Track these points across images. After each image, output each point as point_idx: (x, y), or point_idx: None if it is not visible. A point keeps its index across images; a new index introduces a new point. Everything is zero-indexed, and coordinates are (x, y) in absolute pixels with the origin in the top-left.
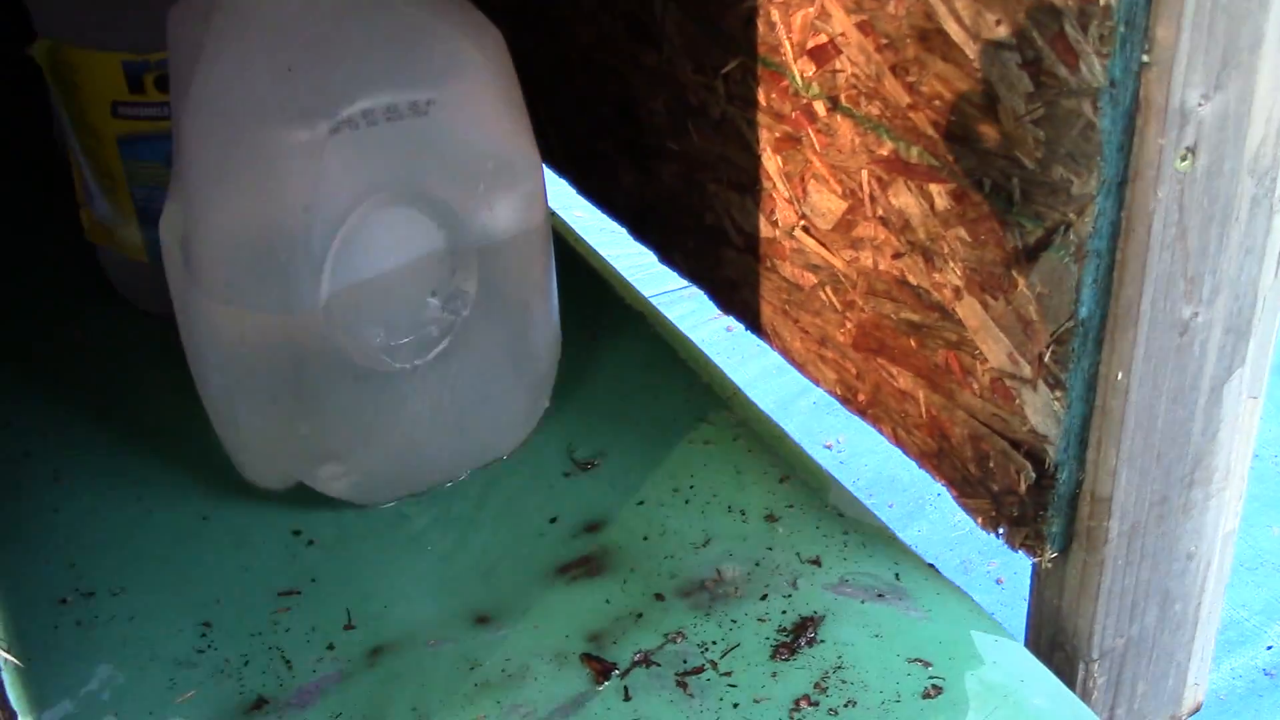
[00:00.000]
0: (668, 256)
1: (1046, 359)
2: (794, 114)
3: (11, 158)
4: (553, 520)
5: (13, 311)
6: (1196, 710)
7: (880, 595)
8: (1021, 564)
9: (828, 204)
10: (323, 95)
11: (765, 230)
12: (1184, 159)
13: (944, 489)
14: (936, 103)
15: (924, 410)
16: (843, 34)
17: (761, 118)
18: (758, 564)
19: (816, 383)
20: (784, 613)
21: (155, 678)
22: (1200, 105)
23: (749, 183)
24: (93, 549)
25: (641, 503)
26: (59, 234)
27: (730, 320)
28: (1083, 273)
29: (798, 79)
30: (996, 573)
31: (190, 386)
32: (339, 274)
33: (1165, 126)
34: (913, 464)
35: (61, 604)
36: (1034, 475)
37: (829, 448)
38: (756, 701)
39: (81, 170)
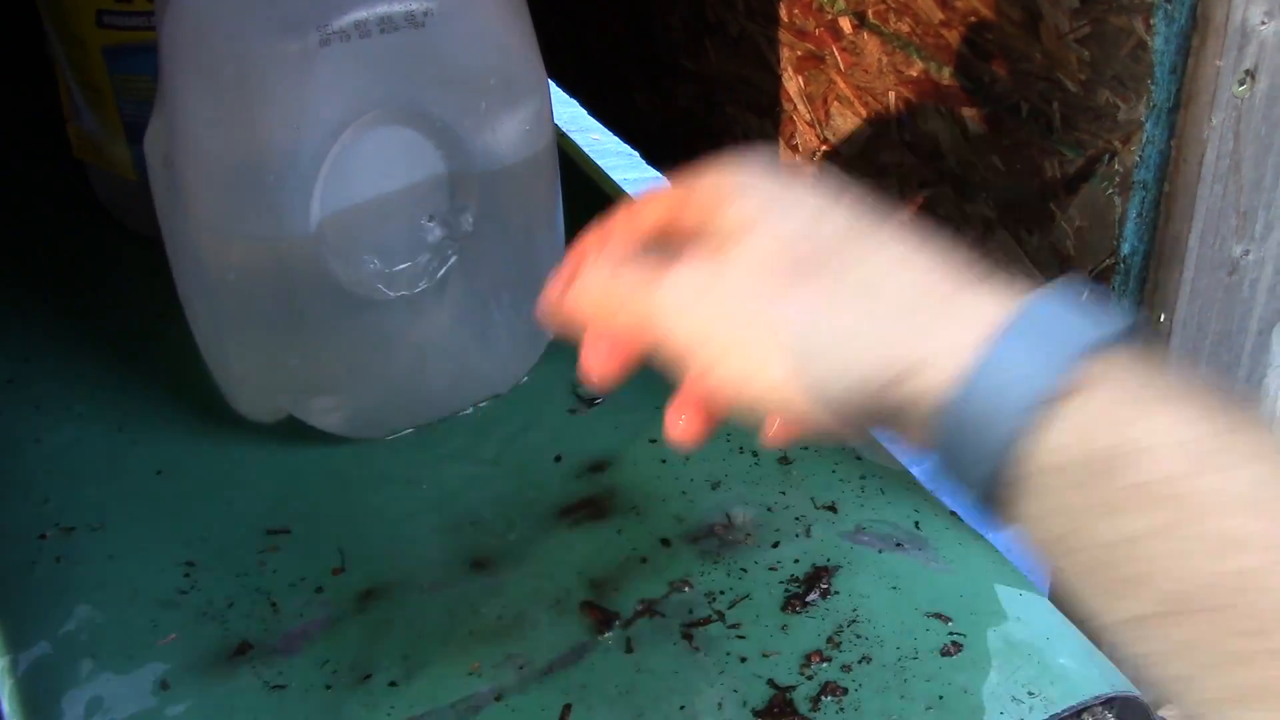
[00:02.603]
0: None
1: (1084, 298)
2: (817, 31)
3: (1, 71)
4: (555, 459)
5: None
6: None
7: (899, 545)
8: None
9: (852, 127)
10: (312, 4)
11: (785, 155)
12: (1242, 83)
13: None
14: (972, 19)
15: None
16: None
17: (783, 35)
18: (770, 509)
19: None
20: (796, 561)
21: (135, 619)
22: (1263, 24)
23: (769, 104)
24: (73, 482)
25: (648, 442)
26: (48, 150)
27: None
28: (1127, 206)
29: None
30: None
31: (180, 313)
32: (330, 197)
33: (1224, 47)
34: None
35: (40, 540)
36: None
37: None
38: (766, 656)
39: (68, 83)
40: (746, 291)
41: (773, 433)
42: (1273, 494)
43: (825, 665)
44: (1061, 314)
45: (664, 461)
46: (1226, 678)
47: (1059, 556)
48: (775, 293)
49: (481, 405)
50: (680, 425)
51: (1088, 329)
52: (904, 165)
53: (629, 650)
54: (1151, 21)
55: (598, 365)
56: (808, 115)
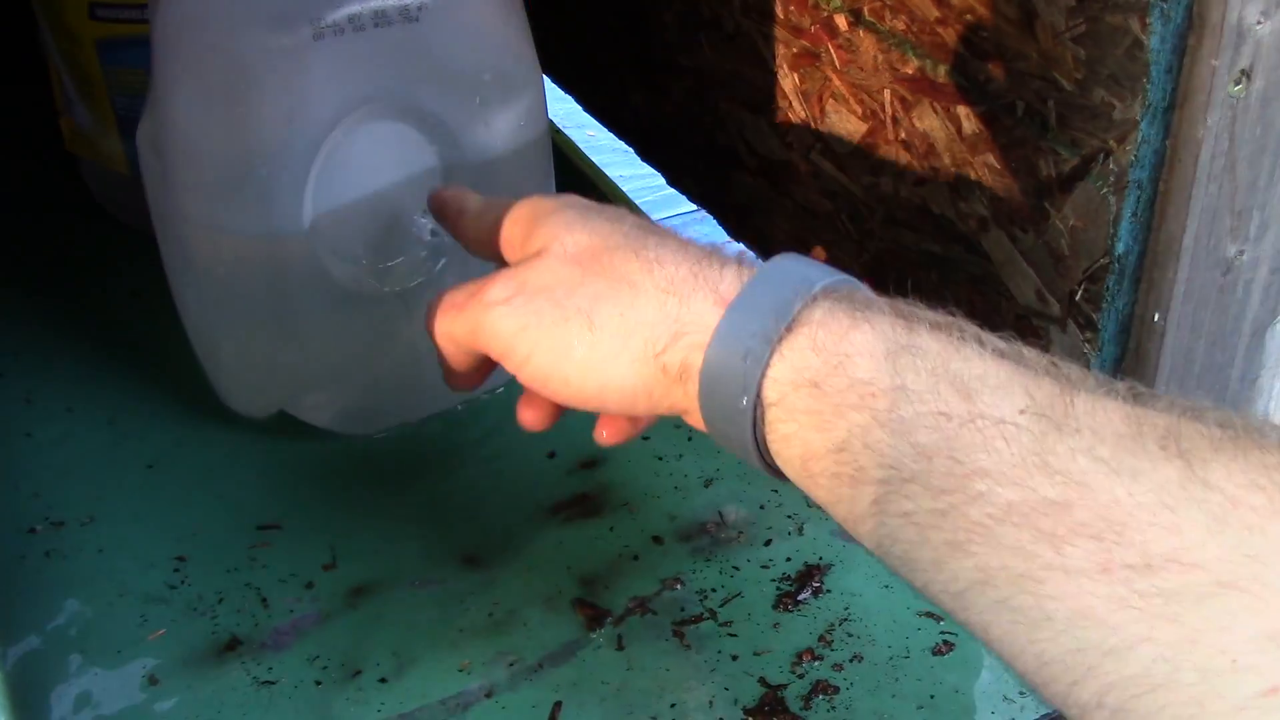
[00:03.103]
0: (677, 179)
1: (1078, 297)
2: (813, 28)
3: None
4: (548, 456)
5: None
6: None
7: None
8: None
9: (847, 125)
10: None
11: (780, 153)
12: (1238, 83)
13: None
14: (968, 17)
15: None
16: None
17: (778, 31)
18: (762, 507)
19: None
20: (788, 560)
21: (125, 614)
22: (1259, 23)
23: (763, 102)
24: (64, 476)
25: (641, 439)
26: (40, 144)
27: (740, 246)
28: (1121, 205)
29: None
30: None
31: (172, 307)
32: (323, 192)
33: (1220, 46)
34: None
35: (30, 533)
36: None
37: None
38: (757, 654)
39: (60, 76)
40: (545, 292)
41: (600, 432)
42: (945, 385)
43: (817, 664)
44: (785, 272)
45: (657, 459)
46: (939, 533)
47: (811, 486)
48: (566, 291)
49: (473, 401)
50: (527, 414)
51: (804, 281)
52: (899, 163)
53: (620, 648)
54: (1147, 21)
55: (451, 380)
56: (803, 112)
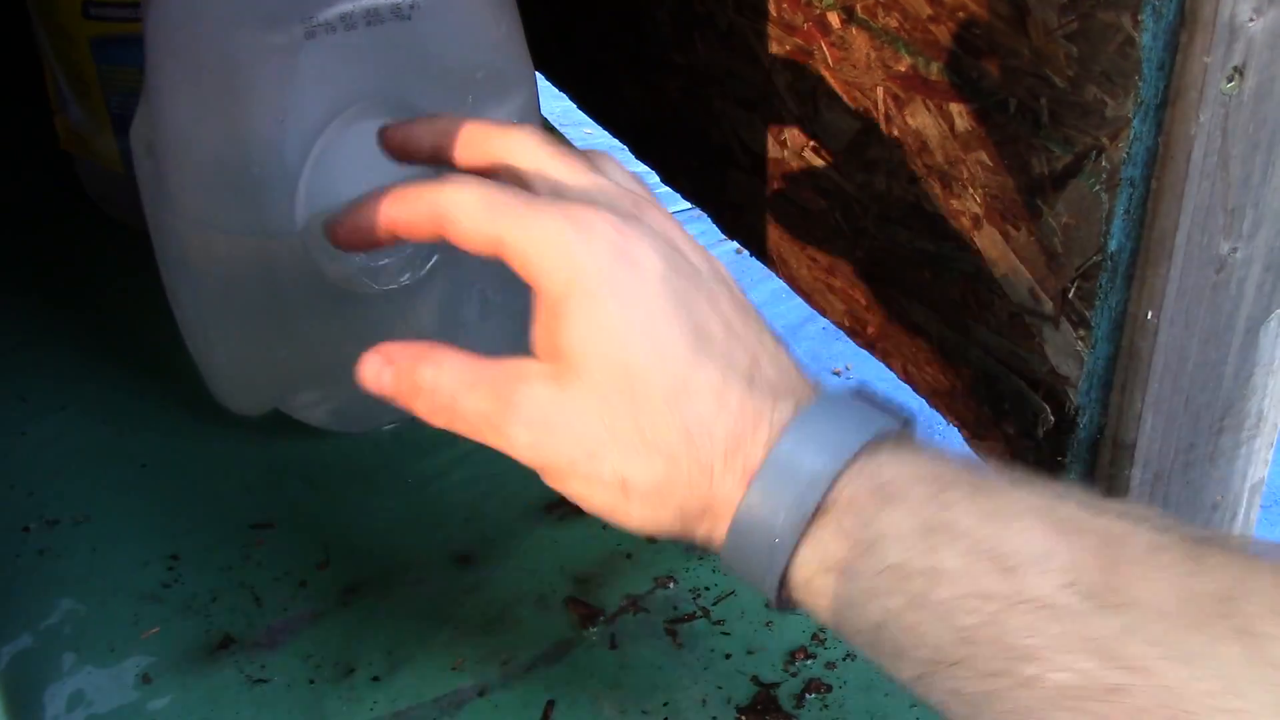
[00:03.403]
0: (671, 177)
1: (1070, 295)
2: (806, 25)
3: None
4: None
5: None
6: None
7: None
8: None
9: (840, 123)
10: None
11: (773, 150)
12: (1230, 80)
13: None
14: (960, 14)
15: (936, 346)
16: None
17: (771, 29)
18: None
19: (823, 313)
20: None
21: (118, 612)
22: (1252, 20)
23: (757, 99)
24: (58, 474)
25: None
26: (34, 142)
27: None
28: (1114, 203)
29: None
30: None
31: (166, 306)
32: (316, 191)
33: (1212, 43)
34: None
35: (24, 532)
36: (1052, 419)
37: (837, 374)
38: (750, 653)
39: (55, 75)
40: (574, 443)
41: None
42: (984, 562)
43: (810, 662)
44: (814, 439)
45: None
46: (991, 712)
47: (847, 638)
48: (597, 447)
49: None
50: None
51: (832, 457)
52: (891, 160)
53: (613, 646)
54: (1140, 18)
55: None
56: (796, 110)
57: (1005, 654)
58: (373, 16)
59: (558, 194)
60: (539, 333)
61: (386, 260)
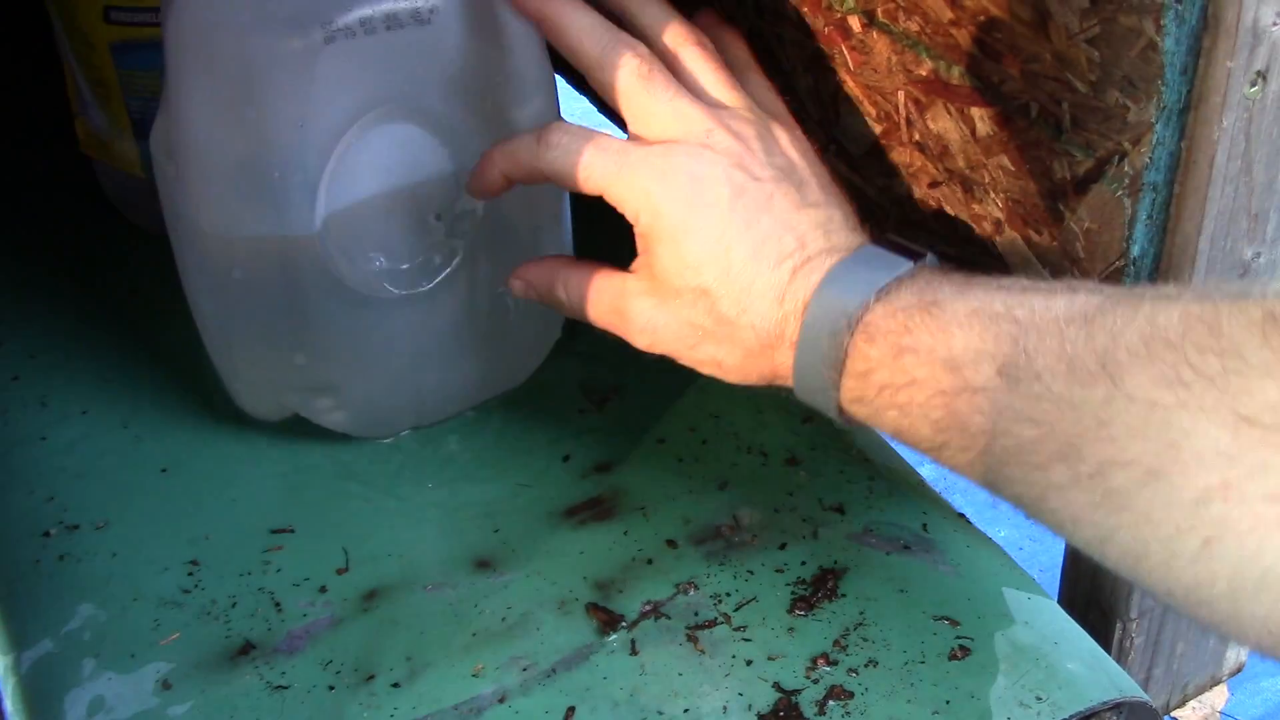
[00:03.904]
0: None
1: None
2: (826, 29)
3: (9, 66)
4: (563, 459)
5: (3, 228)
6: (1239, 671)
7: (906, 547)
8: None
9: (861, 127)
10: (317, 1)
11: None
12: (1254, 84)
13: None
14: (981, 18)
15: None
16: None
17: (791, 33)
18: (776, 510)
19: None
20: (803, 564)
21: (139, 618)
22: (1275, 25)
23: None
24: (79, 479)
25: (656, 442)
26: (54, 146)
27: None
28: (1136, 208)
29: None
30: None
31: (186, 310)
32: (335, 195)
33: (1235, 47)
34: None
35: (44, 537)
36: None
37: None
38: (771, 659)
39: (75, 79)
40: (681, 332)
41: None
42: (938, 368)
43: (832, 669)
44: (823, 315)
45: (671, 462)
46: (974, 478)
47: (889, 423)
48: (699, 335)
49: (488, 404)
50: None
51: (837, 320)
52: (913, 165)
53: (634, 652)
54: (1162, 22)
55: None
56: (816, 114)
57: (964, 433)
58: (392, 21)
59: (679, 111)
60: (640, 257)
61: (406, 265)
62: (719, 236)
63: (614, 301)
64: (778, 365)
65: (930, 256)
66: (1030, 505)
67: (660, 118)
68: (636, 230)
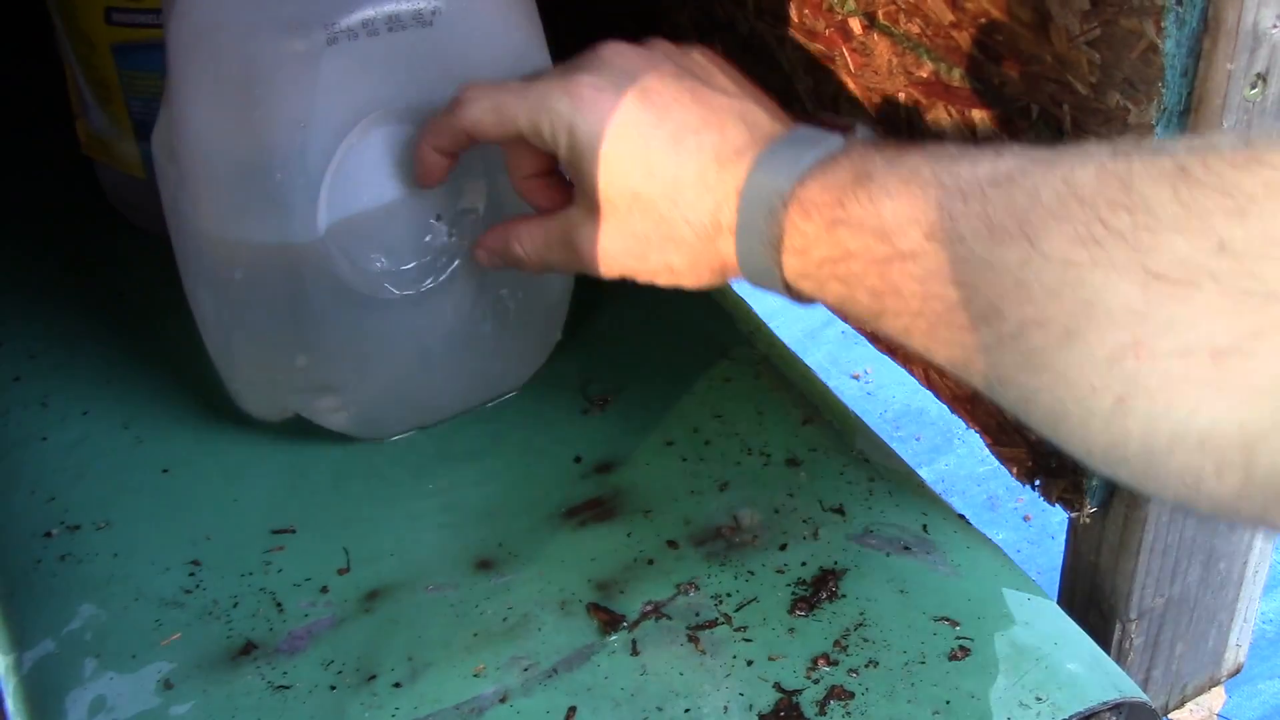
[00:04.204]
0: None
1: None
2: (828, 31)
3: (10, 67)
4: (563, 460)
5: (5, 228)
6: (1237, 672)
7: (906, 548)
8: None
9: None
10: (320, 3)
11: None
12: (1254, 86)
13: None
14: (982, 20)
15: None
16: None
17: (793, 35)
18: (777, 511)
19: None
20: (804, 564)
21: (140, 618)
22: (1275, 27)
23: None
24: (80, 480)
25: (657, 443)
26: (55, 147)
27: None
28: None
29: None
30: (1024, 509)
31: (187, 311)
32: (337, 197)
33: (1235, 50)
34: None
35: (46, 537)
36: None
37: (856, 379)
38: (772, 659)
39: (77, 80)
40: (627, 245)
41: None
42: (871, 238)
43: (832, 669)
44: (759, 197)
45: (672, 463)
46: (913, 344)
47: (832, 294)
48: (644, 244)
49: (489, 405)
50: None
51: (771, 200)
52: None
53: (635, 652)
54: (1162, 24)
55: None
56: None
57: (898, 298)
58: (395, 22)
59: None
60: (575, 187)
61: (407, 265)
62: (634, 137)
63: (563, 238)
64: (724, 256)
65: (862, 130)
66: (962, 368)
67: (552, 71)
68: (562, 160)
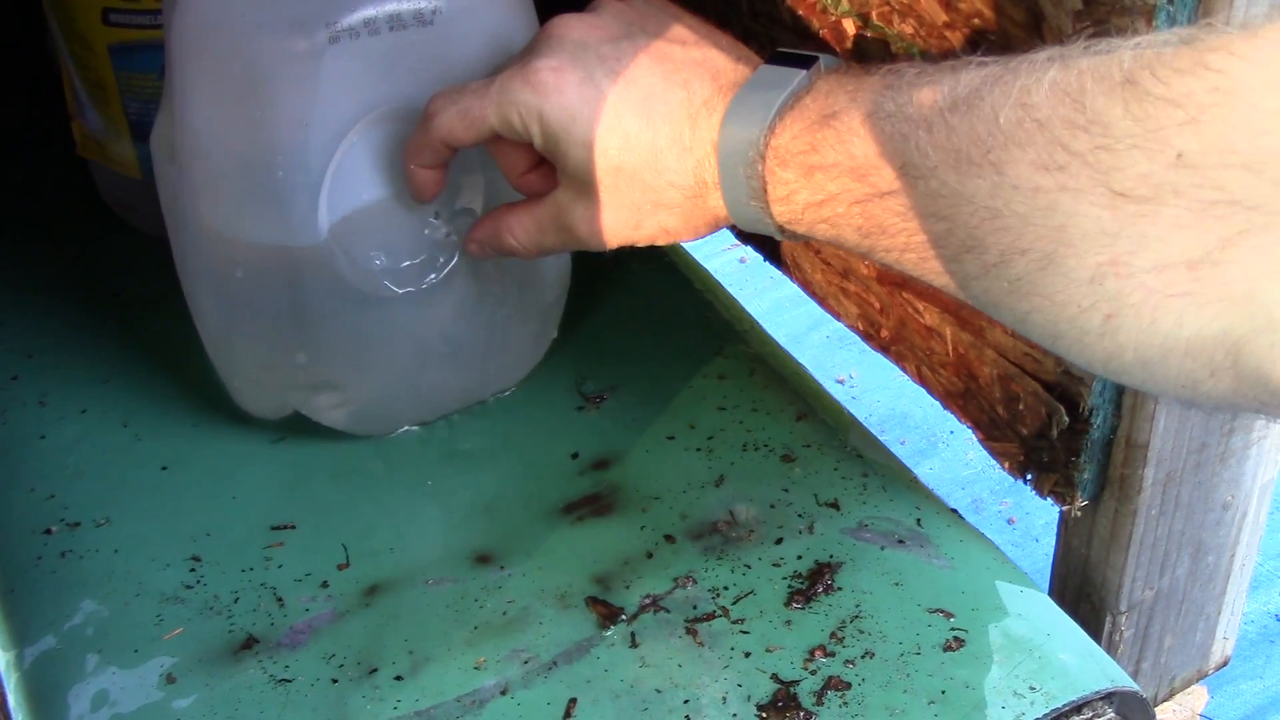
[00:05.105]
0: None
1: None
2: (821, 32)
3: (5, 69)
4: (560, 455)
5: (1, 230)
6: (1224, 665)
7: (900, 541)
8: (1034, 504)
9: None
10: (321, 2)
11: None
12: None
13: (966, 429)
14: (976, 21)
15: (950, 348)
16: None
17: (786, 36)
18: (773, 506)
19: (837, 317)
20: (799, 558)
21: (141, 613)
22: None
23: (736, 41)
24: (79, 477)
25: (653, 439)
26: (51, 148)
27: (744, 251)
28: None
29: None
30: (1008, 512)
31: (185, 310)
32: (337, 195)
33: None
34: (926, 401)
35: (46, 534)
36: (1066, 419)
37: (841, 383)
38: (769, 651)
39: (73, 81)
40: (620, 216)
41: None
42: (847, 178)
43: (829, 660)
44: (733, 150)
45: (668, 458)
46: (899, 271)
47: (823, 235)
48: (636, 212)
49: (487, 401)
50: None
51: (747, 151)
52: None
53: (634, 645)
54: (1154, 23)
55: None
56: None
57: (885, 234)
58: (395, 21)
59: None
60: (558, 173)
61: (407, 263)
62: (603, 110)
63: (555, 222)
64: (715, 210)
65: (825, 58)
66: (960, 292)
67: (511, 61)
68: (539, 148)
